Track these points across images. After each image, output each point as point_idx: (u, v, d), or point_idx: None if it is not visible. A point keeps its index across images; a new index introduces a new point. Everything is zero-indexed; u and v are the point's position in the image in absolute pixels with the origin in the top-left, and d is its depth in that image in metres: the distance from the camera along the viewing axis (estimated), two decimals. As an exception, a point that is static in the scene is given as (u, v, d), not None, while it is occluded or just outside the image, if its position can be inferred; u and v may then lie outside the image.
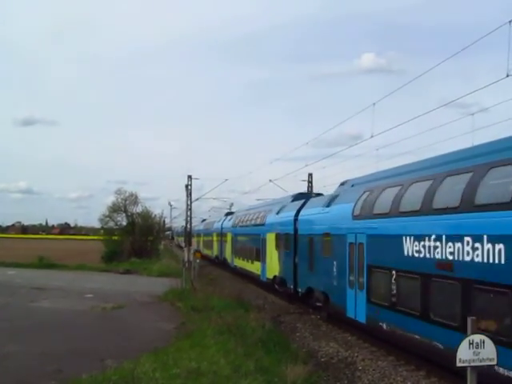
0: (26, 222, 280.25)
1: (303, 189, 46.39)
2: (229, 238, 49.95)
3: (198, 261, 40.65)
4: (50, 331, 19.36)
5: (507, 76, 13.93)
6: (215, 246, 61.48)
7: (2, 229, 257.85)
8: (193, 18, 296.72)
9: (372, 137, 22.36)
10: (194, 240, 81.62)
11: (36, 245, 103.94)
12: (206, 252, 67.70)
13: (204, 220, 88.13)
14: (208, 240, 70.01)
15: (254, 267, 37.05)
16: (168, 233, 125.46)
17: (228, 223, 51.89)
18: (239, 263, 43.81)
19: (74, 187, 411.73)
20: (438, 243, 13.95)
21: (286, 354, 15.60)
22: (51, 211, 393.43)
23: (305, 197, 30.12)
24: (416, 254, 15.03)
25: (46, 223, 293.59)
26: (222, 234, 55.43)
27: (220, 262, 56.42)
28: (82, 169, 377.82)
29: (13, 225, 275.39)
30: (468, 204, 12.89)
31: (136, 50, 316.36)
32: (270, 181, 47.91)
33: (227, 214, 59.10)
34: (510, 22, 13.46)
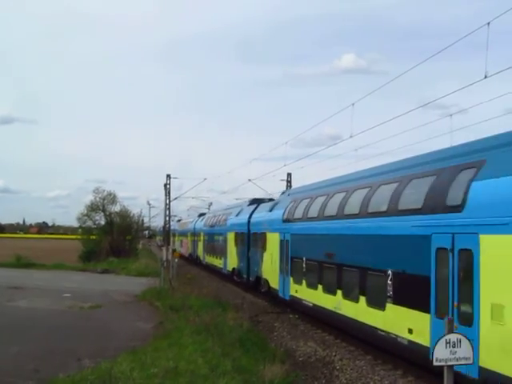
0: (3, 221, 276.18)
1: (283, 189, 46.33)
2: (273, 242, 27.22)
3: (176, 260, 40.63)
4: (27, 331, 19.19)
5: (485, 77, 14.07)
6: (233, 253, 38.20)
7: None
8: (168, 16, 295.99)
9: (351, 137, 22.26)
10: (187, 240, 70.13)
11: (13, 244, 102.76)
12: (211, 260, 48.53)
13: (202, 214, 65.46)
14: (215, 242, 46.47)
15: (386, 318, 15.53)
16: (145, 232, 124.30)
17: (267, 216, 29.48)
18: (314, 298, 21.38)
19: (52, 186, 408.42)
20: None
21: (264, 354, 15.67)
22: (29, 210, 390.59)
23: None
24: None
25: (24, 222, 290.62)
26: (250, 235, 33.21)
27: (247, 283, 33.96)
28: (61, 168, 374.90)
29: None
30: None
31: (115, 49, 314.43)
32: (249, 180, 47.88)
33: (256, 203, 35.94)
34: (488, 23, 13.61)
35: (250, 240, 33.14)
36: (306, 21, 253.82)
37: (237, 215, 38.32)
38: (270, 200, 34.17)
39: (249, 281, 33.27)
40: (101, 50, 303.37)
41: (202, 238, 55.30)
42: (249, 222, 33.67)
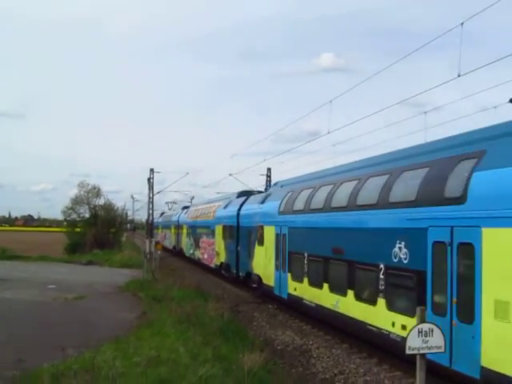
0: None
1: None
2: None
3: (159, 252, 40.98)
4: (11, 321, 19.30)
5: (459, 76, 14.48)
6: None
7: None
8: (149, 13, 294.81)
9: (329, 133, 22.55)
10: (214, 240, 38.12)
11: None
12: (356, 310, 16.15)
13: (255, 192, 35.60)
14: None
15: None
16: (128, 225, 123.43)
17: None
18: None
19: (37, 180, 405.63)
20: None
21: (244, 342, 16.01)
22: (14, 203, 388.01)
23: None
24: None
25: (9, 215, 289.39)
26: None
27: None
28: (46, 161, 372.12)
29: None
30: None
31: (101, 47, 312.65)
32: (230, 175, 47.77)
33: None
34: (461, 24, 14.03)
35: None
36: (288, 20, 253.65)
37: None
38: None
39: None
40: (87, 46, 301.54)
41: (269, 241, 25.08)
42: None
